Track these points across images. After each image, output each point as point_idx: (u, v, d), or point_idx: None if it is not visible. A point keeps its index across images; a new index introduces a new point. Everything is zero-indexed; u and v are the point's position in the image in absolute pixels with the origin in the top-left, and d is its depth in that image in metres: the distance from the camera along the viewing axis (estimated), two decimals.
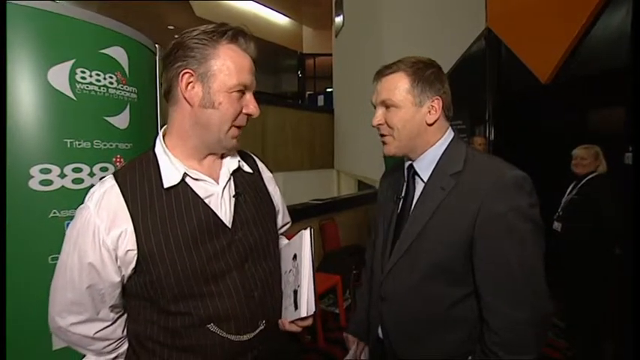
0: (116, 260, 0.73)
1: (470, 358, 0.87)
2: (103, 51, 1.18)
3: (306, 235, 0.87)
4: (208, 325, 0.76)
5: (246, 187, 0.88)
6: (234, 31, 0.77)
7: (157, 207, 0.75)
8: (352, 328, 1.14)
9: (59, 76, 1.07)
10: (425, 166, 0.93)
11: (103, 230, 0.72)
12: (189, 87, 0.75)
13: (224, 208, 0.81)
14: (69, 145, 1.09)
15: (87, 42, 1.14)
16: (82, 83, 1.11)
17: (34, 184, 1.04)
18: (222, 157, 0.86)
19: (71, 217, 0.85)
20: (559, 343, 2.68)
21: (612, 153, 2.48)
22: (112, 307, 0.79)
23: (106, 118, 1.18)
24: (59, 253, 0.76)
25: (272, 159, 6.56)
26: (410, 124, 0.90)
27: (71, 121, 1.10)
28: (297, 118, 7.52)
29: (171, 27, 10.30)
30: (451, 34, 4.49)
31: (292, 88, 13.80)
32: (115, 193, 0.75)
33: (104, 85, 1.17)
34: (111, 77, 1.19)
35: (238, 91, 0.77)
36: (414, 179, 0.96)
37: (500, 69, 4.14)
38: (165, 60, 0.78)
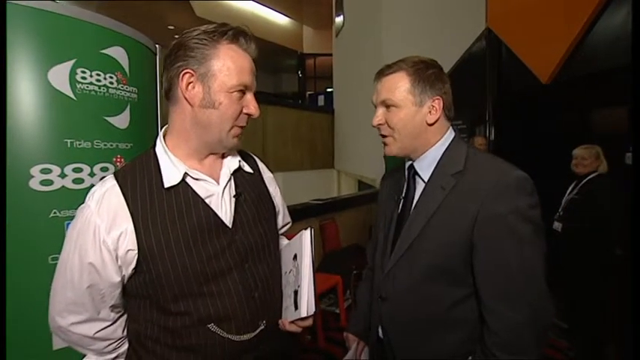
0: (116, 260, 0.73)
1: (470, 358, 0.87)
2: (104, 51, 1.18)
3: (306, 235, 0.87)
4: (208, 325, 0.77)
5: (247, 187, 0.88)
6: (235, 31, 0.77)
7: (157, 207, 0.75)
8: (352, 328, 1.14)
9: (59, 76, 1.07)
10: (425, 166, 0.93)
11: (104, 230, 0.72)
12: (189, 87, 0.75)
13: (224, 208, 0.81)
14: (69, 145, 1.09)
15: (87, 42, 1.14)
16: (82, 83, 1.11)
17: (34, 184, 1.04)
18: (223, 157, 0.87)
19: (71, 217, 0.85)
20: (560, 343, 2.68)
21: (613, 153, 2.48)
22: (113, 307, 0.79)
23: (107, 118, 1.18)
24: (59, 253, 0.76)
25: (272, 159, 6.57)
26: (410, 124, 0.89)
27: (71, 121, 1.10)
28: (298, 118, 7.53)
29: (172, 27, 10.31)
30: (451, 34, 4.49)
31: (292, 88, 13.83)
32: (115, 192, 0.75)
33: (104, 85, 1.17)
34: (111, 77, 1.19)
35: (239, 91, 0.77)
36: (414, 179, 0.96)
37: (500, 69, 4.13)
38: (165, 60, 0.78)
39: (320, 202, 4.16)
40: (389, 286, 0.94)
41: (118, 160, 1.21)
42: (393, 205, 1.01)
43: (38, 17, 1.05)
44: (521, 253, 0.79)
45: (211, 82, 0.75)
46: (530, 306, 0.78)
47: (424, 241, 0.88)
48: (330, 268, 3.29)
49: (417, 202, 0.92)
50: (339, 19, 7.70)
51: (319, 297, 3.02)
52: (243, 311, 0.79)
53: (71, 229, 0.75)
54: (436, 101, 0.89)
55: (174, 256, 0.74)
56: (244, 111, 0.80)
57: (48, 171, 1.06)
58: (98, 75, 1.15)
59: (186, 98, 0.76)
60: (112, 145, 1.19)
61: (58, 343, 1.06)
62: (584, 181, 2.50)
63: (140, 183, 0.76)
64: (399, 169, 1.05)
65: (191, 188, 0.78)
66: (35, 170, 1.04)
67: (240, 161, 0.89)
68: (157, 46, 1.48)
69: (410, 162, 0.97)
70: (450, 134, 0.94)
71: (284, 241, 1.04)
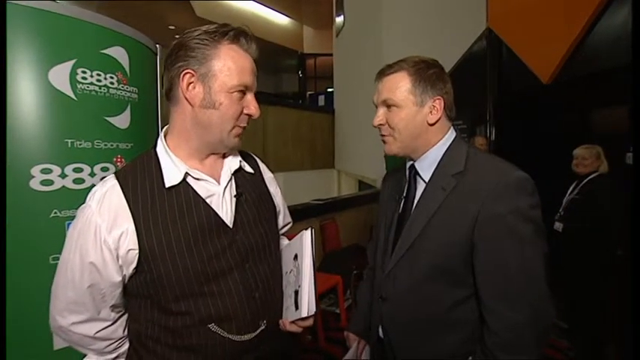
0: (117, 260, 0.73)
1: (470, 358, 0.87)
2: (104, 51, 1.18)
3: (306, 235, 0.87)
4: (209, 325, 0.77)
5: (248, 187, 0.88)
6: (236, 31, 0.77)
7: (158, 206, 0.75)
8: (353, 327, 1.14)
9: (60, 76, 1.07)
10: (426, 166, 0.93)
11: (105, 230, 0.72)
12: (190, 87, 0.75)
13: (225, 208, 0.81)
14: (70, 145, 1.09)
15: (88, 42, 1.14)
16: (82, 83, 1.11)
17: (34, 184, 1.04)
18: (224, 157, 0.87)
19: (72, 217, 0.85)
20: (560, 343, 2.68)
21: (613, 153, 2.48)
22: (113, 307, 0.79)
23: (107, 118, 1.18)
24: (60, 253, 0.76)
25: (273, 159, 6.57)
26: (411, 124, 0.89)
27: (72, 121, 1.10)
28: (298, 118, 7.52)
29: (172, 27, 10.31)
30: (452, 34, 4.49)
31: (293, 88, 13.82)
32: (116, 192, 0.75)
33: (105, 85, 1.17)
34: (112, 77, 1.19)
35: (239, 91, 0.77)
36: (415, 179, 0.96)
37: (501, 69, 4.13)
38: (166, 60, 0.78)
39: (320, 202, 4.16)
40: (389, 286, 0.94)
41: (119, 160, 1.21)
42: (394, 205, 1.01)
43: (38, 17, 1.05)
44: (522, 254, 0.79)
45: (212, 83, 0.75)
46: (531, 306, 0.78)
47: (425, 241, 0.88)
48: (331, 268, 3.29)
49: (418, 202, 0.92)
50: (339, 19, 7.70)
51: (319, 297, 3.02)
52: (244, 311, 0.79)
53: (72, 228, 0.75)
54: (437, 101, 0.89)
55: (175, 255, 0.74)
56: (245, 111, 0.80)
57: (48, 171, 1.06)
58: (99, 75, 1.15)
59: (186, 98, 0.76)
60: (112, 145, 1.19)
61: (58, 343, 1.06)
62: (585, 181, 2.50)
63: (141, 183, 0.76)
64: (400, 169, 1.05)
65: (192, 188, 0.78)
66: (36, 170, 1.04)
67: (240, 161, 0.89)
68: (157, 46, 1.48)
69: (411, 162, 0.97)
70: (451, 134, 0.94)
71: (285, 242, 1.04)
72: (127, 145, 1.24)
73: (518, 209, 0.79)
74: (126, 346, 0.85)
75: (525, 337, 0.79)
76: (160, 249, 0.73)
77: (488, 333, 0.82)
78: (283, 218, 1.05)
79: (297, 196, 4.69)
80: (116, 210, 0.73)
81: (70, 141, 1.09)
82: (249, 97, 0.80)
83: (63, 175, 1.08)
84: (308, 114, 7.91)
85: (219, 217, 0.79)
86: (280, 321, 0.88)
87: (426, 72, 0.89)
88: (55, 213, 1.07)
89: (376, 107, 0.95)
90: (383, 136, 0.95)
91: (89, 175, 1.13)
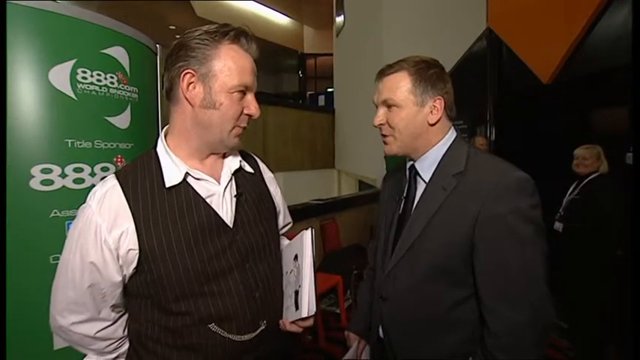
0: (118, 259, 0.73)
1: (470, 359, 0.87)
2: (104, 51, 1.18)
3: (307, 235, 0.87)
4: (209, 325, 0.77)
5: (248, 187, 0.88)
6: (236, 31, 0.77)
7: (158, 206, 0.75)
8: (353, 327, 1.14)
9: (60, 76, 1.07)
10: (427, 166, 0.93)
11: (105, 229, 0.72)
12: (190, 87, 0.75)
13: (225, 208, 0.81)
14: (70, 145, 1.09)
15: (88, 42, 1.14)
16: (83, 83, 1.11)
17: (35, 184, 1.04)
18: (224, 157, 0.87)
19: (72, 217, 0.85)
20: (561, 343, 2.68)
21: (614, 153, 2.48)
22: (113, 307, 0.79)
23: (107, 118, 1.18)
24: (60, 253, 0.76)
25: (273, 159, 6.57)
26: (412, 124, 0.89)
27: (72, 121, 1.10)
28: (298, 118, 7.53)
29: (173, 27, 10.32)
30: (452, 34, 4.49)
31: (293, 88, 13.83)
32: (116, 192, 0.75)
33: (105, 85, 1.17)
34: (112, 77, 1.19)
35: (239, 91, 0.77)
36: (415, 179, 0.96)
37: (501, 69, 4.13)
38: (166, 60, 0.78)
39: (320, 202, 4.16)
40: (389, 286, 0.94)
41: (119, 160, 1.21)
42: (395, 205, 1.00)
43: (39, 17, 1.05)
44: (522, 254, 0.78)
45: (212, 83, 0.75)
46: (531, 307, 0.78)
47: (425, 241, 0.88)
48: (331, 268, 3.29)
49: (418, 202, 0.92)
50: (339, 19, 7.70)
51: (320, 297, 3.01)
52: (244, 311, 0.79)
53: (72, 228, 0.75)
54: (437, 101, 0.89)
55: (175, 255, 0.74)
56: (245, 111, 0.80)
57: (48, 171, 1.06)
58: (99, 75, 1.15)
59: (187, 98, 0.76)
60: (112, 145, 1.19)
61: (58, 343, 1.06)
62: (585, 181, 2.50)
63: (141, 183, 0.76)
64: (401, 169, 1.05)
65: (192, 188, 0.78)
66: (36, 170, 1.04)
67: (241, 161, 0.89)
68: (157, 46, 1.48)
69: (411, 162, 0.97)
70: (451, 134, 0.93)
71: (285, 242, 1.04)
72: (127, 145, 1.24)
73: (518, 210, 0.79)
74: (126, 346, 0.84)
75: (526, 338, 0.78)
76: (160, 249, 0.73)
77: (489, 334, 0.81)
78: (283, 218, 1.05)
79: (297, 196, 4.69)
80: (116, 210, 0.73)
81: (70, 141, 1.09)
82: (250, 97, 0.80)
83: (63, 175, 1.08)
84: (308, 114, 7.92)
85: (220, 217, 0.79)
86: (280, 321, 0.88)
87: (426, 72, 0.88)
88: (55, 213, 1.07)
89: (376, 107, 0.95)
90: (383, 136, 0.95)
91: (89, 175, 1.13)
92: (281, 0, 11.32)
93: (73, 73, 1.09)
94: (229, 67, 0.75)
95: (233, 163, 0.87)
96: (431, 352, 0.90)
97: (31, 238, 1.05)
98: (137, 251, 0.73)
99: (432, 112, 0.89)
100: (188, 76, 0.75)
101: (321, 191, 7.08)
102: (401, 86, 0.89)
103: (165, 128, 0.84)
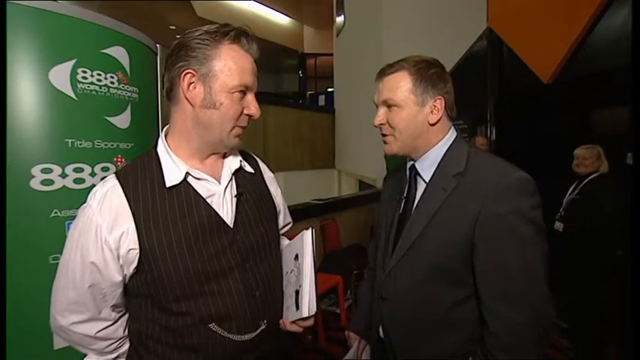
0: (118, 259, 0.73)
1: (470, 359, 0.87)
2: (105, 51, 1.18)
3: (307, 235, 0.87)
4: (209, 325, 0.77)
5: (248, 187, 0.88)
6: (237, 31, 0.77)
7: (158, 206, 0.75)
8: (354, 327, 1.14)
9: (60, 75, 1.07)
10: (427, 166, 0.93)
11: (105, 229, 0.72)
12: (190, 87, 0.75)
13: (226, 208, 0.81)
14: (70, 145, 1.09)
15: (88, 42, 1.14)
16: (83, 83, 1.11)
17: (35, 184, 1.04)
18: (224, 156, 0.87)
19: (72, 217, 0.85)
20: (561, 343, 2.68)
21: (614, 153, 2.48)
22: (114, 307, 0.79)
23: (107, 118, 1.18)
24: (60, 253, 0.76)
25: (273, 159, 6.57)
26: (412, 124, 0.89)
27: (72, 121, 1.10)
28: (298, 117, 7.53)
29: (173, 27, 10.32)
30: (452, 34, 4.49)
31: (293, 87, 13.83)
32: (117, 192, 0.75)
33: (105, 85, 1.17)
34: (112, 77, 1.19)
35: (240, 91, 0.77)
36: (415, 179, 0.96)
37: (501, 69, 4.13)
38: (167, 60, 0.78)
39: (321, 202, 4.15)
40: (390, 286, 0.94)
41: (119, 160, 1.21)
42: (395, 205, 1.00)
43: (39, 17, 1.05)
44: (523, 255, 0.78)
45: (212, 83, 0.75)
46: (532, 307, 0.78)
47: (425, 241, 0.88)
48: (331, 268, 3.29)
49: (419, 202, 0.92)
50: (339, 19, 7.69)
51: (320, 297, 3.01)
52: (244, 311, 0.79)
53: (73, 228, 0.75)
54: (438, 101, 0.89)
55: (175, 255, 0.74)
56: (245, 111, 0.80)
57: (49, 171, 1.06)
58: (99, 75, 1.15)
59: (187, 98, 0.76)
60: (112, 145, 1.19)
61: (59, 343, 1.06)
62: (586, 181, 2.50)
63: (142, 182, 0.76)
64: (401, 169, 1.05)
65: (192, 188, 0.78)
66: (36, 170, 1.04)
67: (241, 161, 0.89)
68: (157, 45, 1.48)
69: (411, 162, 0.97)
70: (452, 134, 0.93)
71: (285, 242, 1.04)
72: (128, 145, 1.24)
73: (519, 210, 0.79)
74: (126, 345, 0.85)
75: (526, 338, 0.78)
76: (160, 249, 0.73)
77: (489, 334, 0.81)
78: (283, 218, 1.05)
79: (298, 196, 4.68)
80: (117, 210, 0.73)
81: (70, 141, 1.09)
82: (250, 97, 0.80)
83: (63, 175, 1.08)
84: (308, 114, 7.91)
85: (220, 217, 0.79)
86: (281, 321, 0.88)
87: (426, 72, 0.88)
88: (56, 213, 1.07)
89: (377, 107, 0.95)
90: (384, 135, 0.95)
91: (89, 174, 1.13)
92: (281, 0, 11.32)
93: (74, 73, 1.09)
94: (230, 67, 0.75)
95: (233, 163, 0.87)
96: (431, 352, 0.90)
97: (31, 238, 1.05)
98: (137, 251, 0.73)
99: (432, 111, 0.89)
100: (188, 76, 0.75)
101: (322, 191, 7.07)
102: (401, 86, 0.89)
103: (165, 128, 0.84)
